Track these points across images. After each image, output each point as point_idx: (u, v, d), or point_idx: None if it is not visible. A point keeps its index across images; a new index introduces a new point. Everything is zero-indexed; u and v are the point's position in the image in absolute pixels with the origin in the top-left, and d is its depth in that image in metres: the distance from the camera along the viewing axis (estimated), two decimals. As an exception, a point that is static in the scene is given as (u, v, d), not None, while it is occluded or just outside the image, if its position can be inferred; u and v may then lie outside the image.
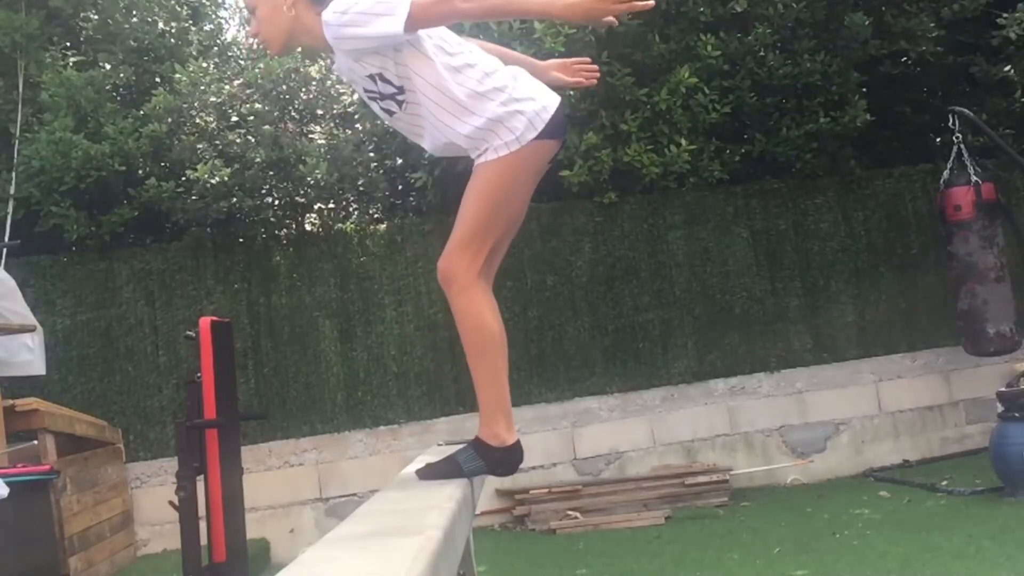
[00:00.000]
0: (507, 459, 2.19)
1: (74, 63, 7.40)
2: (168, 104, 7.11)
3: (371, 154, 7.61)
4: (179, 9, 8.36)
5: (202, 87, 7.25)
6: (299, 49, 4.94)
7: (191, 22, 8.42)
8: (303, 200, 7.42)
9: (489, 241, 2.25)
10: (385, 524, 1.46)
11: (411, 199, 8.02)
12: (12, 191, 6.96)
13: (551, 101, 2.26)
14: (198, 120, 7.31)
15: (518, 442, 2.20)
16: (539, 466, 7.28)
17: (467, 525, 2.00)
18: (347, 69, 2.30)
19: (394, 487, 2.12)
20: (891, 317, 7.83)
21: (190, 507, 4.24)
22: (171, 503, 4.34)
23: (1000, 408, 6.11)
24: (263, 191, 7.23)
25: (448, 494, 1.77)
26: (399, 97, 2.26)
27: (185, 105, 7.21)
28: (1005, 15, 7.35)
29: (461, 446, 2.22)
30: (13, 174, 7.02)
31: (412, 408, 7.23)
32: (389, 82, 2.24)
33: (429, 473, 2.13)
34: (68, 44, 7.85)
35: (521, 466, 6.98)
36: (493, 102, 2.20)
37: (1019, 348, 7.35)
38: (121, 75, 7.58)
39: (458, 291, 2.18)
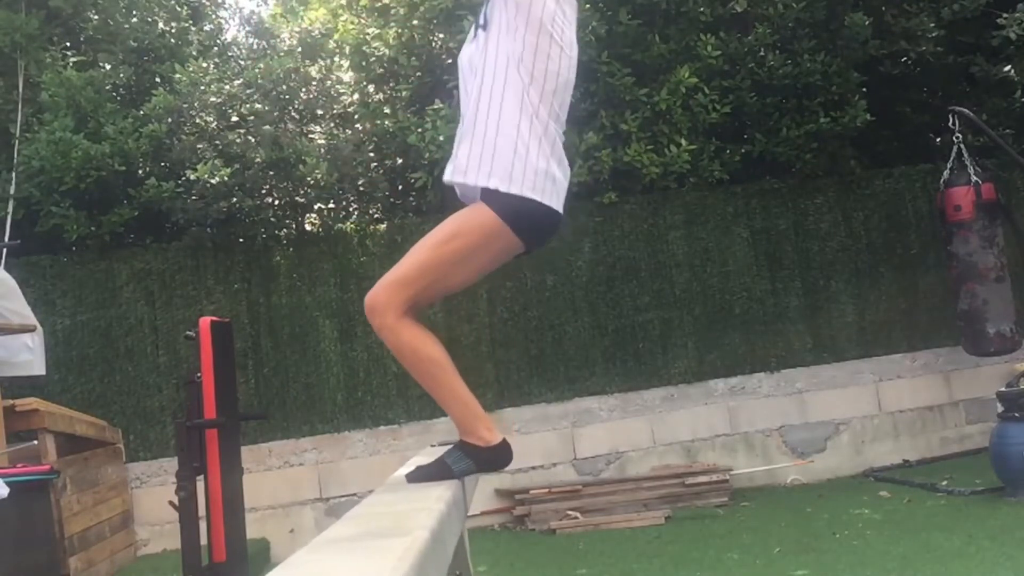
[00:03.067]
0: (495, 457, 2.18)
1: (74, 63, 7.40)
2: (168, 104, 7.11)
3: (371, 154, 7.60)
4: (179, 9, 8.37)
5: (202, 87, 7.25)
6: None
7: (191, 22, 8.43)
8: (303, 200, 7.42)
9: (429, 292, 2.20)
10: (374, 526, 1.46)
11: (411, 199, 8.02)
12: (12, 191, 6.96)
13: (551, 212, 2.19)
14: (198, 120, 7.31)
15: (504, 440, 2.19)
16: (539, 466, 7.28)
17: (458, 525, 1.99)
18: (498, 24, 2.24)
19: (386, 489, 2.11)
20: (891, 317, 7.83)
21: (190, 507, 4.24)
22: (171, 503, 4.34)
23: (1000, 408, 6.11)
24: (263, 191, 7.23)
25: (437, 495, 1.77)
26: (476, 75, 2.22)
27: (185, 105, 7.21)
28: (1005, 15, 7.35)
29: (449, 447, 2.22)
30: (13, 174, 7.02)
31: (412, 408, 7.23)
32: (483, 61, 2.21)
33: (419, 476, 2.13)
34: (68, 44, 7.85)
35: (521, 466, 6.98)
36: (514, 154, 2.15)
37: (1019, 348, 7.34)
38: (121, 75, 7.59)
39: (381, 326, 2.14)
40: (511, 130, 2.16)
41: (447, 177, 2.27)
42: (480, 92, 2.20)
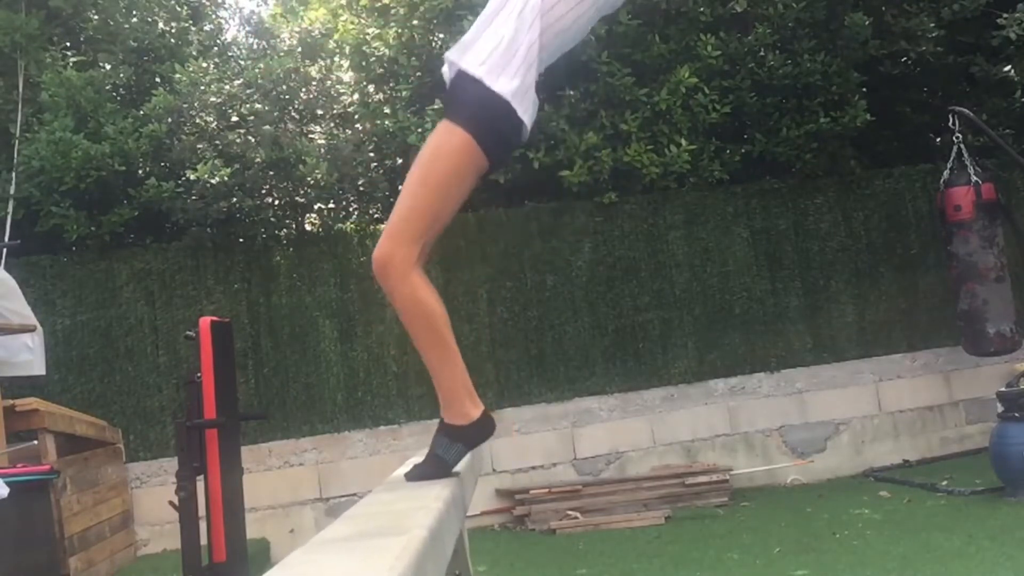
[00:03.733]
0: (481, 431, 2.14)
1: (74, 63, 7.40)
2: (168, 104, 7.11)
3: (371, 154, 7.61)
4: (179, 9, 8.37)
5: (202, 87, 7.25)
6: None
7: (191, 22, 8.42)
8: (303, 200, 7.42)
9: (431, 234, 2.14)
10: (372, 525, 1.45)
11: (411, 199, 8.01)
12: (12, 191, 6.96)
13: (520, 126, 2.15)
14: (198, 120, 7.31)
15: (486, 411, 2.14)
16: (539, 466, 7.28)
17: (457, 524, 1.98)
18: None
19: (384, 489, 2.11)
20: (891, 317, 7.83)
21: (190, 507, 4.24)
22: (171, 503, 4.34)
23: (1000, 408, 6.11)
24: (263, 191, 7.23)
25: (436, 494, 1.77)
26: None
27: (185, 105, 7.21)
28: (1005, 15, 7.35)
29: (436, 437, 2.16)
30: (13, 174, 7.02)
31: (412, 408, 7.23)
32: None
33: (416, 475, 2.12)
34: (68, 44, 7.85)
35: (521, 466, 6.99)
36: (500, 73, 2.10)
37: (1019, 348, 7.34)
38: (121, 75, 7.59)
39: (397, 281, 2.06)
40: (518, 37, 2.13)
41: (449, 53, 2.21)
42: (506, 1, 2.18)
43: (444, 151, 2.12)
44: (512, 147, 2.24)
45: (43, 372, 6.12)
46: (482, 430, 2.15)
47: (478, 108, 2.10)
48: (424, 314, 2.09)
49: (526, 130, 2.19)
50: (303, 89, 7.67)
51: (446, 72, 2.24)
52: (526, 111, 2.16)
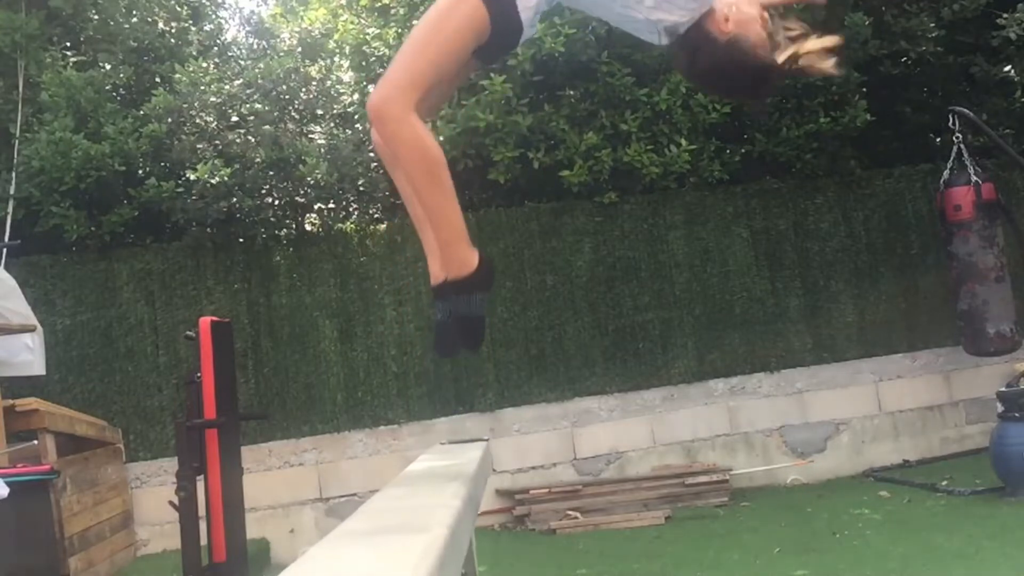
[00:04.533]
0: (488, 275, 2.12)
1: (74, 63, 7.40)
2: (168, 104, 7.11)
3: (371, 154, 7.60)
4: (179, 9, 8.37)
5: (202, 87, 7.25)
6: None
7: (191, 22, 8.42)
8: (303, 200, 7.42)
9: (434, 84, 2.10)
10: (391, 521, 1.45)
11: (411, 199, 8.00)
12: (12, 191, 6.96)
13: (519, 28, 2.11)
14: (198, 120, 7.31)
15: (482, 254, 2.09)
16: (539, 466, 7.28)
17: (471, 524, 1.99)
18: None
19: (398, 484, 2.11)
20: (891, 317, 7.83)
21: (190, 507, 4.25)
22: (171, 503, 4.35)
23: (1000, 408, 6.12)
24: (263, 191, 7.22)
25: (453, 492, 1.77)
26: None
27: (185, 105, 7.21)
28: (1005, 15, 7.35)
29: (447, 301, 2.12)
30: (13, 174, 7.02)
31: (412, 408, 7.23)
32: None
33: (452, 343, 2.06)
34: (68, 44, 7.84)
35: (521, 466, 6.96)
36: None
37: (1019, 348, 7.35)
38: (121, 75, 7.58)
39: (397, 123, 2.01)
40: None
41: None
42: None
43: (456, 11, 2.06)
44: (509, 45, 2.21)
45: (43, 372, 6.12)
46: (488, 272, 2.11)
47: None
48: (426, 156, 2.01)
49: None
50: (303, 89, 7.66)
51: None
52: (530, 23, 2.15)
